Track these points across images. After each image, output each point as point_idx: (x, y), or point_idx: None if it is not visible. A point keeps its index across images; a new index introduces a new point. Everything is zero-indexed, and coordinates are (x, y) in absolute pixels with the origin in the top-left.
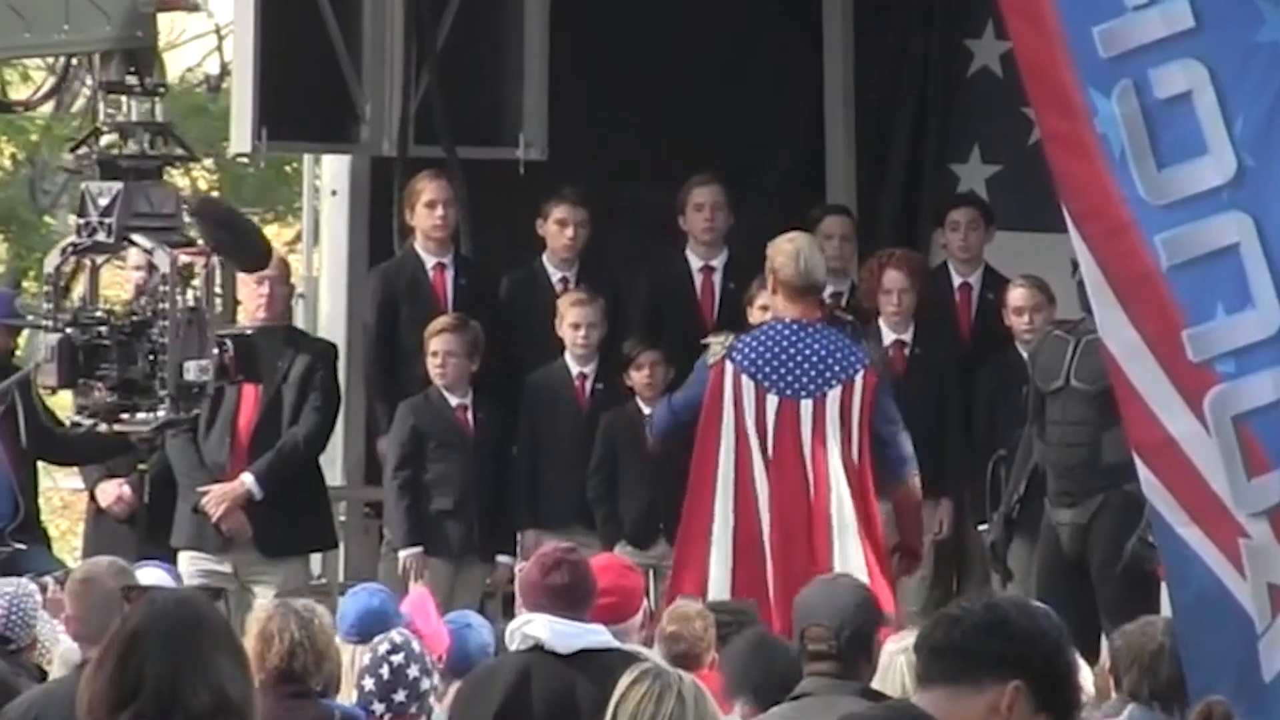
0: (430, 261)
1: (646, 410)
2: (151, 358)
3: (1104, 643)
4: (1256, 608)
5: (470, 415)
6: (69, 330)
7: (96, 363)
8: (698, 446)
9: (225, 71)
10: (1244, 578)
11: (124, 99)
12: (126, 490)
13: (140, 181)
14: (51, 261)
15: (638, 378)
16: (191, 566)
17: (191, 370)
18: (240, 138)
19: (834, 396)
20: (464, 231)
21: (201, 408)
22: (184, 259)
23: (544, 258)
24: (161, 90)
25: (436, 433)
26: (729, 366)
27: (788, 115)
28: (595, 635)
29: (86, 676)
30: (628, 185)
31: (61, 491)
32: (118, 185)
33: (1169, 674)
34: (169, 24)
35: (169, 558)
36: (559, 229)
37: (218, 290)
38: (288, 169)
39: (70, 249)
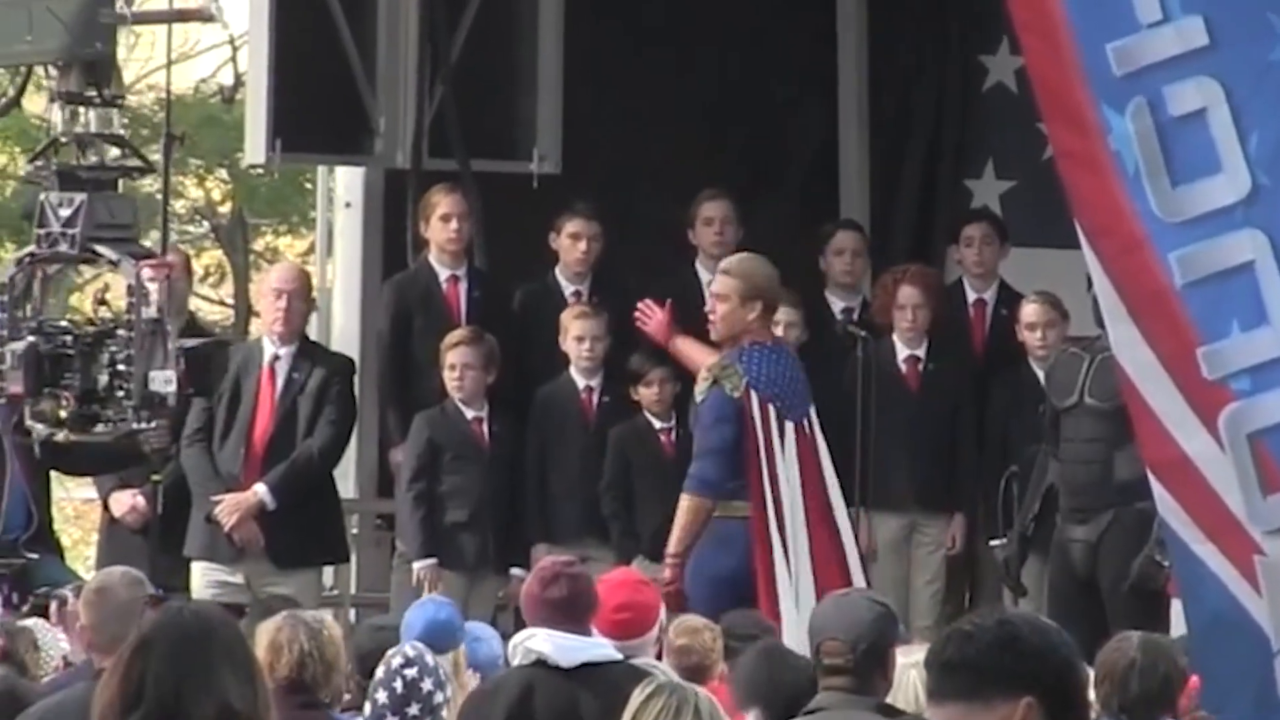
0: (444, 274)
1: (658, 424)
2: (111, 368)
3: None
4: (1273, 625)
5: (486, 428)
6: (33, 338)
7: (60, 371)
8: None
9: (240, 82)
10: (1260, 595)
11: (83, 110)
12: (140, 501)
13: (100, 192)
14: (7, 271)
15: (646, 394)
16: (204, 577)
17: (156, 381)
18: (254, 149)
19: (813, 413)
20: (478, 244)
21: (165, 418)
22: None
23: (557, 271)
24: (119, 101)
25: (452, 445)
26: (754, 396)
27: (802, 131)
28: (598, 649)
29: (100, 685)
30: (640, 199)
31: (74, 501)
32: (80, 196)
33: (1139, 690)
34: (183, 35)
35: (182, 568)
36: (572, 243)
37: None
38: (302, 180)
39: (28, 259)
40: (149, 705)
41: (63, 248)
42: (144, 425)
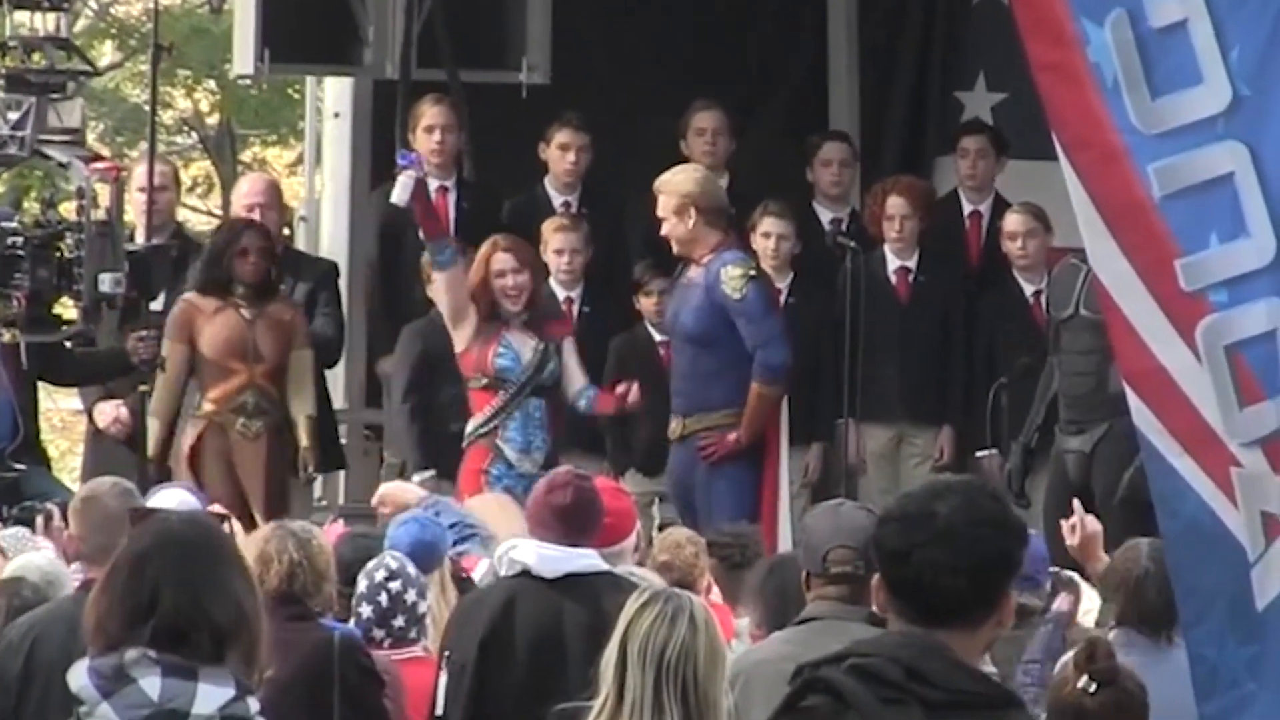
0: (432, 185)
1: (658, 336)
2: (60, 269)
3: None
4: (1249, 536)
5: None
6: None
7: (10, 273)
8: None
9: None
10: (1236, 506)
11: (31, 13)
12: (123, 412)
13: (48, 96)
14: None
15: (646, 304)
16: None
17: (105, 282)
18: (242, 59)
19: None
20: (467, 155)
21: (104, 320)
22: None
23: (546, 182)
24: (66, 5)
25: (447, 356)
26: None
27: (793, 43)
28: (583, 559)
29: (94, 595)
30: (631, 111)
31: (61, 412)
32: (29, 99)
33: (1156, 598)
34: None
35: (168, 480)
36: (561, 153)
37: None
38: (290, 91)
39: None
40: (164, 612)
41: (11, 150)
42: (91, 327)
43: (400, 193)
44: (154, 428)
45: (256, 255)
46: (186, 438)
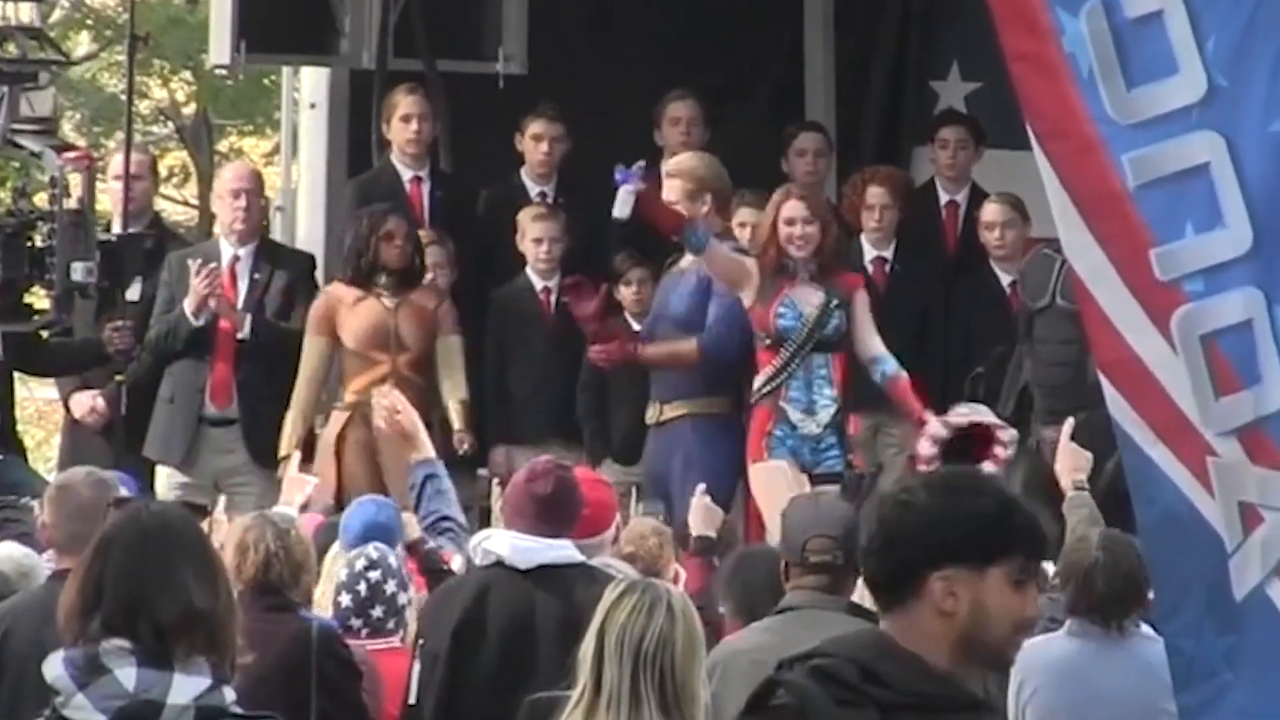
0: (407, 175)
1: (636, 326)
2: (33, 258)
3: None
4: (1227, 526)
5: None
6: None
7: None
8: None
9: None
10: (1212, 496)
11: (4, 4)
12: (100, 402)
13: (20, 85)
14: None
15: (626, 294)
16: (170, 478)
17: (77, 271)
18: (219, 50)
19: None
20: (443, 145)
21: (79, 310)
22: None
23: (522, 172)
24: None
25: None
26: None
27: (770, 34)
28: (556, 551)
29: (65, 587)
30: (607, 101)
31: (37, 401)
32: (2, 89)
33: (1105, 589)
34: None
35: (146, 470)
36: (535, 144)
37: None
38: (267, 81)
39: None
40: (109, 606)
41: None
42: (64, 316)
43: (621, 209)
44: (295, 424)
45: (403, 240)
46: (330, 429)
